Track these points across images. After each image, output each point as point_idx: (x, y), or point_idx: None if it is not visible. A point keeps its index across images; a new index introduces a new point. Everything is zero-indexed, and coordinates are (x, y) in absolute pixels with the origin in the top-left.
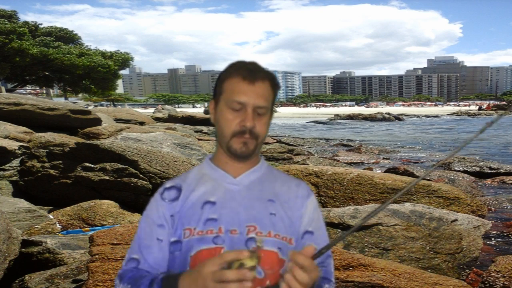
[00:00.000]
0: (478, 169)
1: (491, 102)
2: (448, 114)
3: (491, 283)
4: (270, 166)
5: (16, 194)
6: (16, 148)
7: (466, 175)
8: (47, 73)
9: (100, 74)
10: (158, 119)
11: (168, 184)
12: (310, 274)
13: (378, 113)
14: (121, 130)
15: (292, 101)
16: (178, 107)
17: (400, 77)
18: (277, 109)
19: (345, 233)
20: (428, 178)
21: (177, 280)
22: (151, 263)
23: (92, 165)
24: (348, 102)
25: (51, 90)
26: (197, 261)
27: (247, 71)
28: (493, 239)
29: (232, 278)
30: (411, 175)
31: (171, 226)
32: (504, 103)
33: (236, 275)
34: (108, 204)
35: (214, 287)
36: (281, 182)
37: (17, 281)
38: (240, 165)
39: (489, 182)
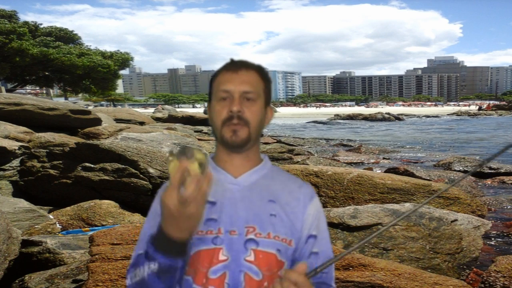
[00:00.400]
0: (478, 169)
1: (491, 102)
2: (448, 114)
3: (491, 283)
4: (274, 166)
5: (16, 194)
6: (16, 148)
7: None
8: (47, 73)
9: (100, 74)
10: (158, 119)
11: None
12: None
13: (378, 113)
14: (121, 130)
15: (292, 101)
16: (178, 107)
17: (400, 77)
18: (277, 109)
19: (347, 250)
20: (428, 178)
21: (162, 230)
22: None
23: (92, 165)
24: (348, 102)
25: (51, 90)
26: (195, 261)
27: (230, 63)
28: (493, 239)
29: (175, 177)
30: (411, 175)
31: None
32: (504, 103)
33: (192, 185)
34: (108, 204)
35: (184, 206)
36: (284, 183)
37: (17, 281)
38: (240, 163)
39: (489, 182)
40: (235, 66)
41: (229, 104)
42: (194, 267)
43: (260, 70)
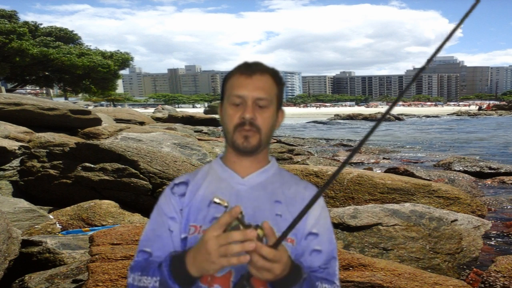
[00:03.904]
0: (478, 169)
1: (491, 102)
2: (448, 114)
3: (491, 283)
4: (280, 168)
5: (16, 194)
6: (16, 148)
7: (466, 175)
8: (47, 73)
9: (100, 74)
10: (158, 119)
11: (177, 180)
12: (273, 265)
13: (378, 113)
14: (121, 130)
15: (292, 101)
16: (178, 107)
17: (400, 77)
18: None
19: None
20: (428, 178)
21: (185, 253)
22: (162, 254)
23: (92, 165)
24: (348, 102)
25: (51, 90)
26: None
27: (245, 67)
28: (493, 239)
29: (237, 238)
30: (411, 175)
31: (181, 220)
32: (504, 103)
33: (241, 235)
34: (108, 204)
35: (217, 251)
36: (289, 184)
37: (17, 281)
38: (248, 164)
39: (489, 182)
40: (249, 70)
41: (242, 110)
42: None
43: (274, 75)
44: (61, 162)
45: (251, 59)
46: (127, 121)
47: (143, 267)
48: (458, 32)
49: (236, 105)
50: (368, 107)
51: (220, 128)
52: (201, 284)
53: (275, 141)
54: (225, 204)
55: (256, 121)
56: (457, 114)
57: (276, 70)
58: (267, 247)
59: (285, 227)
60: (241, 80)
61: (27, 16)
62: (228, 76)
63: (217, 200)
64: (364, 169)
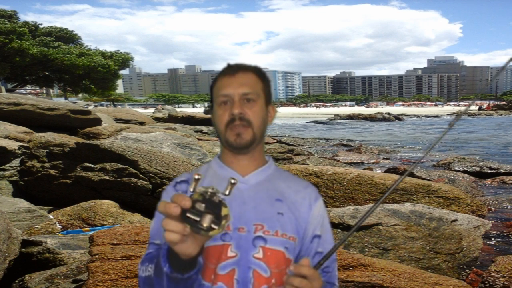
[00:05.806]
0: (478, 169)
1: (491, 102)
2: (448, 114)
3: (491, 283)
4: (279, 168)
5: (16, 194)
6: (16, 148)
7: (466, 175)
8: (47, 73)
9: (100, 74)
10: (158, 119)
11: (178, 178)
12: (313, 283)
13: (378, 113)
14: (121, 130)
15: (292, 101)
16: (178, 107)
17: (400, 77)
18: (277, 109)
19: (342, 239)
20: (428, 178)
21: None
22: None
23: (92, 165)
24: (348, 102)
25: (51, 90)
26: (203, 257)
27: (227, 68)
28: (493, 239)
29: (161, 210)
30: (411, 175)
31: None
32: (504, 103)
33: (163, 208)
34: (108, 204)
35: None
36: (289, 183)
37: (17, 281)
38: (246, 163)
39: (489, 182)
40: (232, 70)
41: (230, 107)
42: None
43: (257, 71)
44: (61, 162)
45: (251, 59)
46: (127, 121)
47: (151, 257)
48: (458, 32)
49: (224, 104)
50: (368, 107)
51: None
52: (204, 282)
53: (275, 141)
54: (226, 192)
55: (246, 115)
56: (457, 114)
57: (259, 68)
58: (306, 266)
59: (287, 225)
60: (224, 80)
61: (27, 16)
62: (213, 81)
63: (232, 181)
64: (364, 169)
